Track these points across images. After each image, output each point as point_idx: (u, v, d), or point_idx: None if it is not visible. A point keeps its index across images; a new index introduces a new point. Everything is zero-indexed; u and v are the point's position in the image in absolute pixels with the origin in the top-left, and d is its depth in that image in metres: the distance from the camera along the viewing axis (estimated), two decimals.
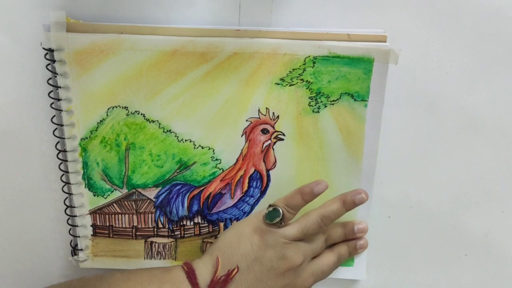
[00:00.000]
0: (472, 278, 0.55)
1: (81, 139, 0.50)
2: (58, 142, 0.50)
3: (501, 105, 0.50)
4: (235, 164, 0.50)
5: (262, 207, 0.51)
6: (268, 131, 0.49)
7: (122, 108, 0.49)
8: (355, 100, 0.47)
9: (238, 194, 0.51)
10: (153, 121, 0.49)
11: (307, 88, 0.47)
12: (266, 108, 0.48)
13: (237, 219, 0.52)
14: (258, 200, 0.51)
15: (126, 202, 0.52)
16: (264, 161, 0.50)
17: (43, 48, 0.47)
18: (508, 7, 0.48)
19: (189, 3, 0.47)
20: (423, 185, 0.52)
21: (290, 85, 0.48)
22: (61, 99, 0.48)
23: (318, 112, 0.48)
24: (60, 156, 0.50)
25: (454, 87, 0.50)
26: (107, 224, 0.52)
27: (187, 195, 0.51)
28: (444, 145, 0.51)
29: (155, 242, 0.53)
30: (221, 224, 0.52)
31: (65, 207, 0.52)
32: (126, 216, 0.52)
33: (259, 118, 0.49)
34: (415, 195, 0.53)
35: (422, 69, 0.49)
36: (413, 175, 0.52)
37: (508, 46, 0.48)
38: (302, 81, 0.47)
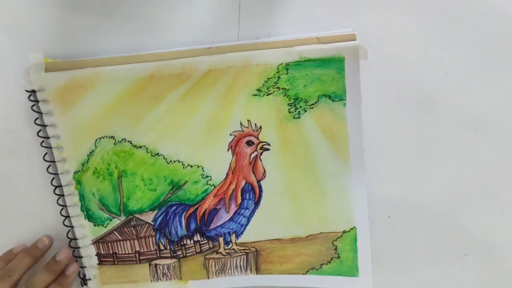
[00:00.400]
0: (472, 278, 0.53)
1: (74, 173, 0.51)
2: (53, 178, 0.51)
3: (501, 104, 0.50)
4: (225, 178, 0.51)
5: (258, 218, 0.51)
6: (253, 143, 0.49)
7: (109, 137, 0.50)
8: (333, 100, 0.47)
9: (233, 208, 0.51)
10: (140, 147, 0.50)
11: (284, 96, 0.47)
12: (248, 120, 0.49)
13: (235, 233, 0.52)
14: (253, 212, 0.51)
15: (125, 229, 0.53)
16: (253, 172, 0.50)
17: (26, 91, 0.48)
18: (508, 6, 0.47)
19: (189, 3, 0.48)
20: (423, 185, 0.52)
21: (267, 95, 0.48)
22: (49, 137, 0.50)
23: (299, 117, 0.48)
24: (57, 191, 0.52)
25: (454, 87, 0.49)
26: (111, 252, 0.53)
27: (184, 214, 0.52)
28: (444, 145, 0.51)
29: (159, 264, 0.53)
30: (221, 239, 0.53)
31: (69, 240, 0.53)
32: (128, 242, 0.53)
33: (242, 130, 0.49)
34: (415, 195, 0.52)
35: (422, 69, 0.49)
36: (413, 175, 0.52)
37: (508, 46, 0.48)
38: (278, 89, 0.47)
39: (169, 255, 0.53)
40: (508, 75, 0.49)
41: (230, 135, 0.49)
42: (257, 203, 0.51)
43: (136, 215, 0.52)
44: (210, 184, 0.51)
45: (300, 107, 0.48)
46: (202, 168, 0.50)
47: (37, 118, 0.50)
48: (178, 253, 0.53)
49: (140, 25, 0.49)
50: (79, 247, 0.53)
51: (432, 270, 0.53)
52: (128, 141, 0.50)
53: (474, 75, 0.49)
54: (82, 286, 0.54)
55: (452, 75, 0.49)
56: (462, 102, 0.50)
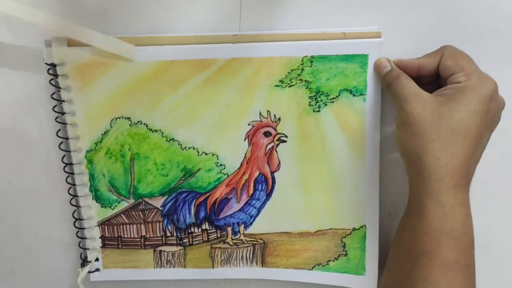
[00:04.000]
0: None
1: (86, 152, 0.50)
2: (64, 155, 0.51)
3: None
4: (239, 168, 0.50)
5: (268, 210, 0.51)
6: (270, 134, 0.49)
7: (125, 118, 0.49)
8: (353, 95, 0.47)
9: (244, 198, 0.51)
10: (156, 131, 0.50)
11: (306, 88, 0.48)
12: (267, 111, 0.49)
13: (245, 223, 0.52)
14: (264, 203, 0.51)
15: (133, 212, 0.52)
16: (268, 163, 0.50)
17: (46, 63, 0.48)
18: (507, 4, 0.48)
19: (190, 1, 0.48)
20: None
21: (289, 86, 0.48)
22: (65, 113, 0.49)
23: (318, 111, 0.48)
24: (66, 169, 0.51)
25: None
26: (116, 235, 0.52)
27: (194, 202, 0.52)
28: None
29: (164, 251, 0.53)
30: (229, 229, 0.52)
31: (74, 220, 0.52)
32: (134, 226, 0.52)
33: (261, 121, 0.49)
34: None
35: None
36: None
37: (508, 44, 0.48)
38: (301, 81, 0.47)
39: (175, 242, 0.53)
40: (509, 75, 0.49)
41: (248, 124, 0.49)
42: (269, 195, 0.51)
43: (145, 199, 0.51)
44: (223, 173, 0.51)
45: (321, 100, 0.48)
46: (217, 156, 0.50)
47: (53, 93, 0.49)
48: (184, 240, 0.52)
49: (139, 24, 0.48)
50: (84, 228, 0.52)
51: None
52: (144, 124, 0.49)
53: None
54: (82, 267, 0.53)
55: None
56: None
